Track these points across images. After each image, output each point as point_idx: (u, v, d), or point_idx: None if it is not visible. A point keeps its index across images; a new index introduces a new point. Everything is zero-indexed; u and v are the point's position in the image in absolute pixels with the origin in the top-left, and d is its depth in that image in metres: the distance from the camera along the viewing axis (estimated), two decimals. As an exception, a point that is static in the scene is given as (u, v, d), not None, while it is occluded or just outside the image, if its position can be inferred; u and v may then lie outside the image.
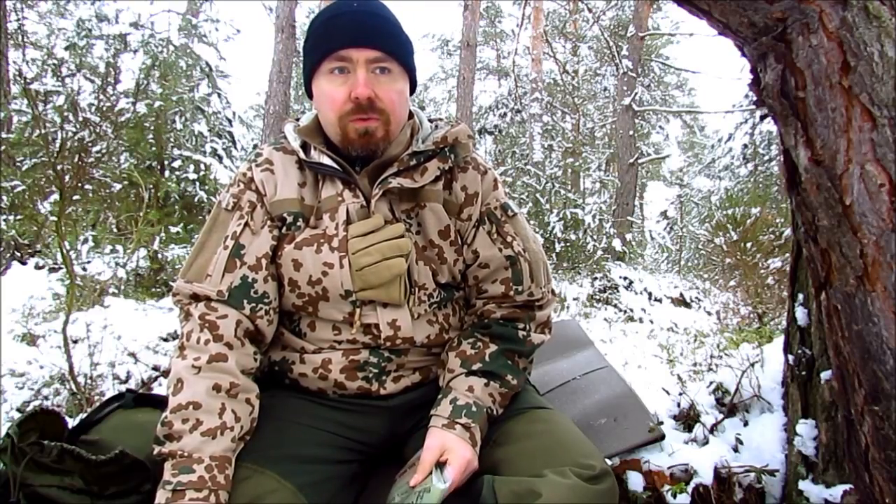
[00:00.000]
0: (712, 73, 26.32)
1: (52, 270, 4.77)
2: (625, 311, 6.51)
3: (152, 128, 5.57)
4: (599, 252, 8.54)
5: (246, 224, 1.09)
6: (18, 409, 2.15)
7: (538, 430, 1.07)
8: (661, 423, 1.62)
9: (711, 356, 2.68)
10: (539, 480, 0.93)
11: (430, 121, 1.20)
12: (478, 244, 1.15)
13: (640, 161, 12.25)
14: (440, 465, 1.01)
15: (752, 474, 1.38)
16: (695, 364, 2.79)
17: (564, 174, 11.49)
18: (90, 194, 4.84)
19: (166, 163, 5.99)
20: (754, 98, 1.09)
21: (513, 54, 13.33)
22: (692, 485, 1.41)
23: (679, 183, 15.86)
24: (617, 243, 9.39)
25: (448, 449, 1.02)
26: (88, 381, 2.25)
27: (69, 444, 1.05)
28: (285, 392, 1.15)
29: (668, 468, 1.45)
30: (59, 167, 2.89)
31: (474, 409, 1.07)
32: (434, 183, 1.12)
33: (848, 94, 0.92)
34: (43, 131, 3.49)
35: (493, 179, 1.18)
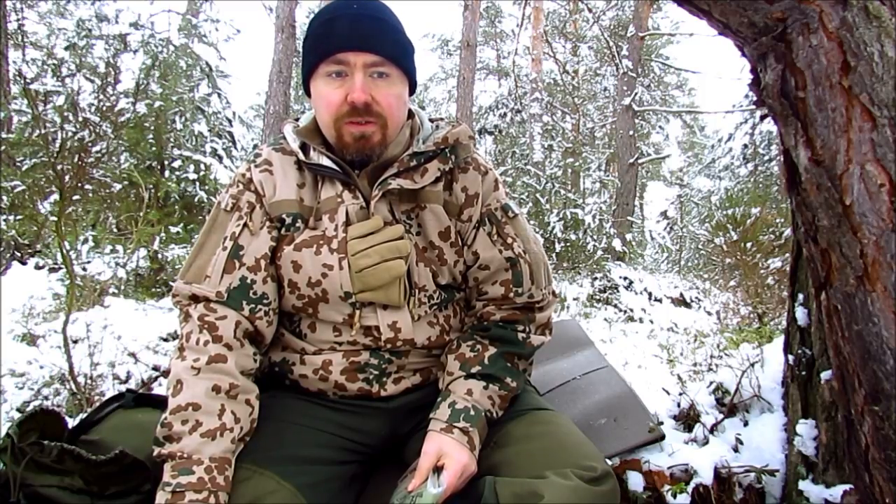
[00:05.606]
0: (712, 73, 26.28)
1: (52, 270, 4.78)
2: (625, 311, 6.51)
3: (152, 128, 5.57)
4: (599, 252, 8.54)
5: (244, 225, 1.09)
6: (18, 409, 2.15)
7: (539, 431, 1.07)
8: (661, 423, 1.62)
9: (711, 356, 2.68)
10: (541, 482, 0.93)
11: (431, 121, 1.20)
12: (478, 245, 1.14)
13: (640, 161, 12.25)
14: (437, 469, 1.01)
15: (752, 474, 1.38)
16: (695, 364, 2.79)
17: (564, 174, 11.48)
18: (90, 194, 4.84)
19: (166, 163, 5.99)
20: (754, 98, 1.09)
21: (513, 54, 13.33)
22: (692, 485, 1.40)
23: (679, 183, 15.86)
24: (617, 243, 9.40)
25: (445, 454, 1.02)
26: (88, 381, 2.25)
27: (69, 444, 1.05)
28: (285, 393, 1.14)
29: (668, 468, 1.45)
30: (59, 167, 2.89)
31: (472, 412, 1.06)
32: (434, 184, 1.12)
33: (848, 94, 0.92)
34: (43, 131, 3.49)
35: (493, 180, 1.18)
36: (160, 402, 1.19)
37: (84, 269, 4.47)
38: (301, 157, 1.10)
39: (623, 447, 1.48)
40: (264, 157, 1.13)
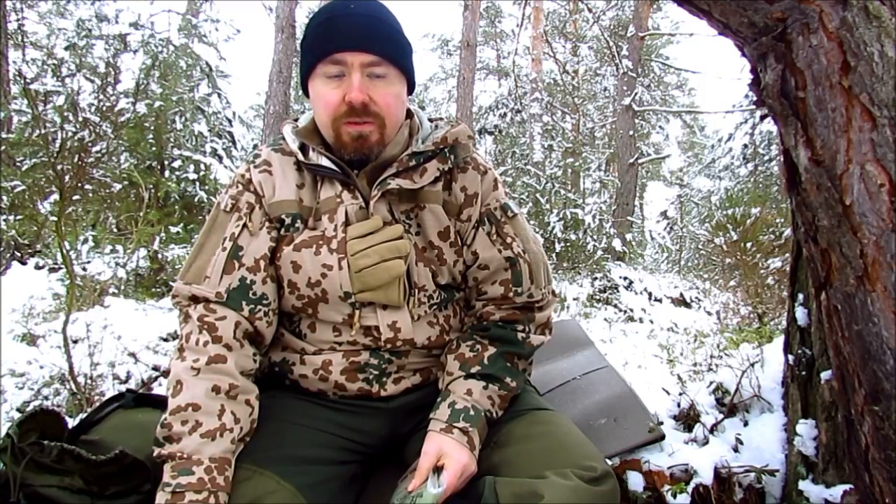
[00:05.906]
0: (712, 73, 26.30)
1: (52, 270, 4.78)
2: (625, 311, 6.51)
3: (152, 128, 5.58)
4: (599, 252, 8.54)
5: (244, 225, 1.09)
6: (18, 409, 2.15)
7: (539, 431, 1.07)
8: (661, 423, 1.62)
9: (711, 356, 2.68)
10: (541, 482, 0.93)
11: (431, 120, 1.20)
12: (477, 245, 1.14)
13: (640, 161, 12.25)
14: (437, 469, 1.01)
15: (752, 474, 1.38)
16: (695, 364, 2.79)
17: (564, 174, 11.48)
18: (90, 194, 4.85)
19: (166, 163, 5.99)
20: (754, 98, 1.09)
21: (513, 54, 13.33)
22: (692, 485, 1.40)
23: (679, 183, 15.86)
24: (617, 243, 9.40)
25: (445, 454, 1.02)
26: (88, 381, 2.25)
27: (69, 444, 1.05)
28: (285, 393, 1.14)
29: (668, 468, 1.45)
30: (59, 167, 2.89)
31: (472, 412, 1.06)
32: (433, 184, 1.12)
33: (848, 94, 0.92)
34: (43, 131, 3.49)
35: (492, 179, 1.18)
36: (160, 402, 1.19)
37: (84, 269, 4.47)
38: (300, 157, 1.10)
39: (623, 447, 1.48)
40: (263, 158, 1.13)
